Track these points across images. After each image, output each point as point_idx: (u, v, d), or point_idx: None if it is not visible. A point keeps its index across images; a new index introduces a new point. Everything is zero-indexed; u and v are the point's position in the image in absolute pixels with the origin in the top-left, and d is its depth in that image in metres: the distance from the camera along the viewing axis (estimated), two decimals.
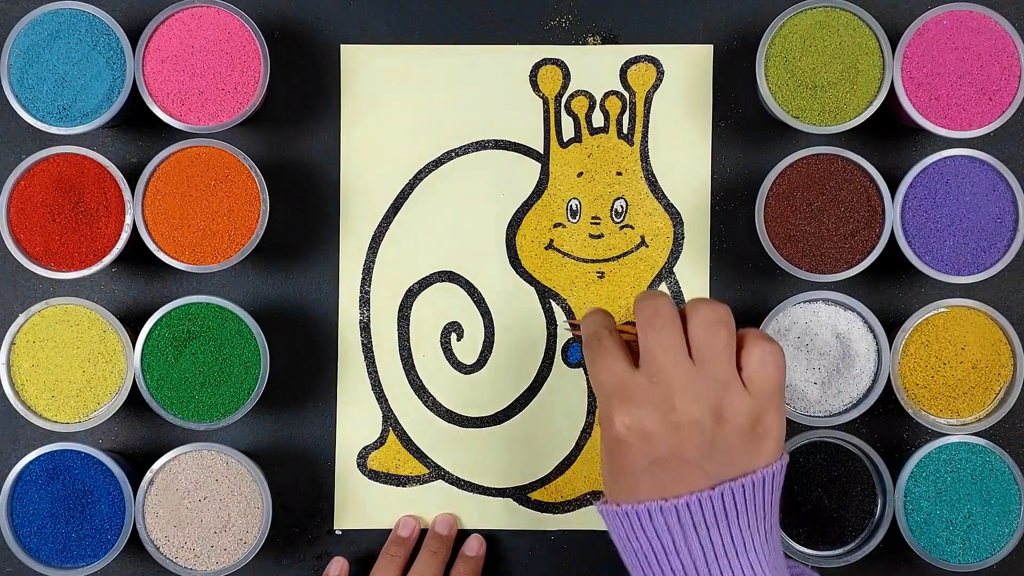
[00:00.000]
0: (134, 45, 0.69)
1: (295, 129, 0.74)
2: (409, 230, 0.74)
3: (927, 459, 0.70)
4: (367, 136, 0.74)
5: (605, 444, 0.56)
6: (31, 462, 0.70)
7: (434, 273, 0.74)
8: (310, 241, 0.74)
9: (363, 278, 0.74)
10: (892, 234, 0.69)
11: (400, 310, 0.74)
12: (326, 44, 0.74)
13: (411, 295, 0.74)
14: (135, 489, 0.69)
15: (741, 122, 0.74)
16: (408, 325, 0.74)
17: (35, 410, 0.70)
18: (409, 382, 0.74)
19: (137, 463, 0.73)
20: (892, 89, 0.69)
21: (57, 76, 0.70)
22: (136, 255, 0.71)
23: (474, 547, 0.73)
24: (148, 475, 0.70)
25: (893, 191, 0.70)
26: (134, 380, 0.69)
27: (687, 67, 0.74)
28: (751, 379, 0.55)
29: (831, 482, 0.70)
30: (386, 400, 0.74)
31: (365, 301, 0.74)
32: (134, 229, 0.69)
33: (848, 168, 0.70)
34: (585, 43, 0.74)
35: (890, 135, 0.73)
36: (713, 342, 0.55)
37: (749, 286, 0.74)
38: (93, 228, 0.70)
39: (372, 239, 0.74)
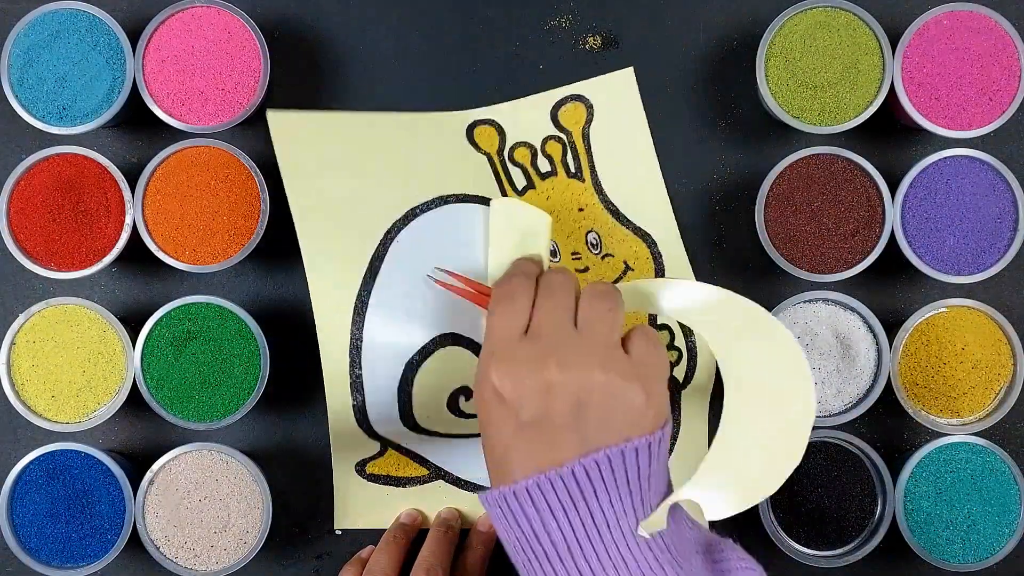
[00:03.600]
0: (134, 45, 0.70)
1: None
2: (393, 296, 0.66)
3: (927, 459, 0.70)
4: (320, 205, 0.67)
5: (480, 418, 0.54)
6: (31, 462, 0.70)
7: (434, 339, 0.66)
8: None
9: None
10: (892, 234, 0.69)
11: (401, 385, 0.66)
12: (326, 44, 0.74)
13: (412, 368, 0.66)
14: (135, 489, 0.69)
15: (741, 122, 0.74)
16: (410, 400, 0.67)
17: (35, 410, 0.70)
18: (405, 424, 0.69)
19: (137, 463, 0.73)
20: (892, 89, 0.69)
21: (57, 76, 0.70)
22: (136, 255, 0.71)
23: (487, 522, 0.72)
24: (148, 475, 0.70)
25: (893, 191, 0.70)
26: (134, 380, 0.69)
27: (613, 95, 0.73)
28: (634, 354, 0.54)
29: (831, 482, 0.70)
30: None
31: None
32: (134, 229, 0.69)
33: (848, 168, 0.70)
34: (585, 43, 0.74)
35: (890, 135, 0.73)
36: (598, 311, 0.55)
37: (749, 286, 0.74)
38: (93, 228, 0.70)
39: (355, 312, 0.66)
